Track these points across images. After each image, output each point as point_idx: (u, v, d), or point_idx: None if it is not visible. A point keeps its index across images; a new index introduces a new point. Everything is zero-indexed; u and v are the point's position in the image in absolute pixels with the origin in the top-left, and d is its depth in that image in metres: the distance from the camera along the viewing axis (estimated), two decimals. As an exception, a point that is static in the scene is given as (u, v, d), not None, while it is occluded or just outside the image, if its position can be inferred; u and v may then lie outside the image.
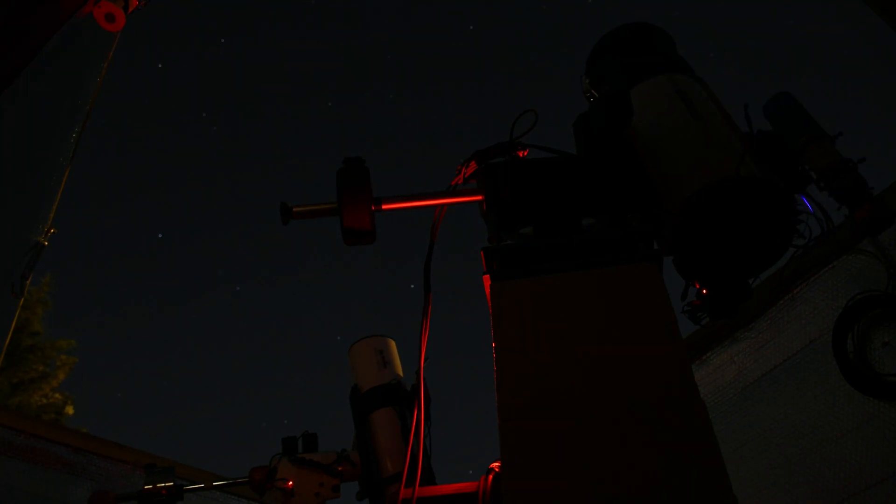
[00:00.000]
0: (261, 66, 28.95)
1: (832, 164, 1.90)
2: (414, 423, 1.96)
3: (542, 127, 1.94)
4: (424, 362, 1.91)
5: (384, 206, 1.88)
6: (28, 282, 3.46)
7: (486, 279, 1.67)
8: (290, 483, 2.17)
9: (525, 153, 1.92)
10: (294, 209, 1.85)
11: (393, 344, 2.43)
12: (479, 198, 1.86)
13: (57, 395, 12.19)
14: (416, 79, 30.15)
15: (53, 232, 3.66)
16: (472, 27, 27.57)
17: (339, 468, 2.19)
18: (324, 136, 29.07)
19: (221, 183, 29.96)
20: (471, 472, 2.01)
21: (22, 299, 3.44)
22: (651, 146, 1.83)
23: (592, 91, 2.20)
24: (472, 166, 1.89)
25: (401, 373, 2.36)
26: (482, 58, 28.98)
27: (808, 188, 1.87)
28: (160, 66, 26.81)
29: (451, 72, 29.28)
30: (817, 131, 1.96)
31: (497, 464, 1.91)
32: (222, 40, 27.81)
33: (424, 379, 2.10)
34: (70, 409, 12.58)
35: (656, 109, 1.90)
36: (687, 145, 1.78)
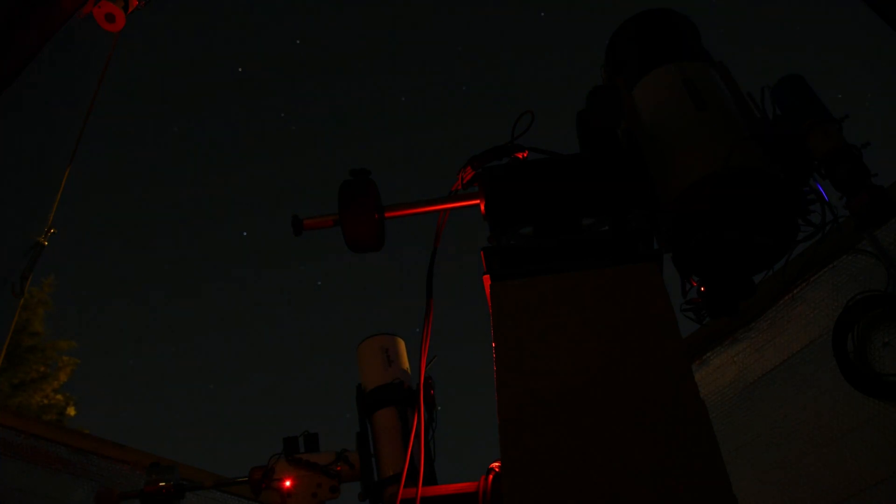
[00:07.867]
0: (329, 63, 29.11)
1: (833, 149, 1.78)
2: (414, 429, 1.96)
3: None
4: (429, 363, 1.92)
5: (387, 214, 1.90)
6: (28, 282, 3.46)
7: (487, 279, 1.67)
8: (288, 483, 2.16)
9: (524, 154, 1.92)
10: (304, 221, 1.90)
11: (401, 342, 2.39)
12: (477, 202, 1.86)
13: (58, 396, 12.16)
14: (490, 68, 29.87)
15: (53, 232, 3.66)
16: (542, 13, 27.29)
17: (338, 468, 2.18)
18: (395, 128, 29.22)
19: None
20: (471, 471, 2.01)
21: (22, 299, 3.43)
22: (653, 139, 1.78)
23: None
24: (470, 171, 1.90)
25: (408, 371, 2.34)
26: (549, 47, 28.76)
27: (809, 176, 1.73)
28: (240, 69, 27.28)
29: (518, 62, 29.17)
30: (823, 115, 1.85)
31: (497, 464, 1.91)
32: (297, 41, 28.04)
33: (431, 379, 2.10)
34: (72, 411, 12.54)
35: (660, 100, 1.81)
36: (687, 136, 1.71)
